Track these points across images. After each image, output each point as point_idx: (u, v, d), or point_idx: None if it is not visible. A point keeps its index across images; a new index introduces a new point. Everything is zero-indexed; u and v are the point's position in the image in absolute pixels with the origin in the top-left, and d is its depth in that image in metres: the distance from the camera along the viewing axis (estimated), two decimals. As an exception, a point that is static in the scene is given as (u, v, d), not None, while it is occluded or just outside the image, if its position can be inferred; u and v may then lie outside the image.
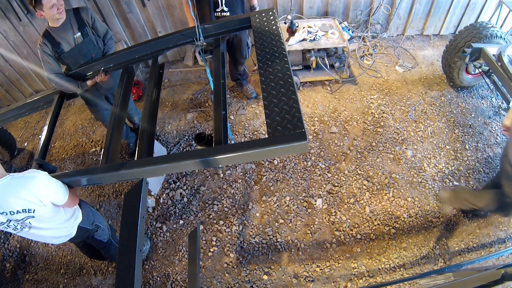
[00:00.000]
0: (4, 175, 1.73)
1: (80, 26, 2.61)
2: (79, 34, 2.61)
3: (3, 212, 1.74)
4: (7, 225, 1.83)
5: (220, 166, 1.62)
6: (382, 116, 3.66)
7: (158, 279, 2.83)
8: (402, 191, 3.11)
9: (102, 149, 2.03)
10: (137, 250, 1.51)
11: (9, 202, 1.70)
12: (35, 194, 1.71)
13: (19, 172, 1.79)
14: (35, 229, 1.92)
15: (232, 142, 3.39)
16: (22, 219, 1.80)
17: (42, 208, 1.79)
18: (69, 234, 2.16)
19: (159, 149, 3.44)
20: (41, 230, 1.96)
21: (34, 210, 1.77)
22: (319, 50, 3.83)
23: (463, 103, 3.75)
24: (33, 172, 1.76)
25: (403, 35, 4.58)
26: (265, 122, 1.53)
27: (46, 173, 1.80)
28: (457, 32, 3.56)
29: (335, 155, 3.39)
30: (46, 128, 2.40)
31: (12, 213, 1.74)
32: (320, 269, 2.75)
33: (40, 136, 3.02)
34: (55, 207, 1.89)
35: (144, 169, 1.68)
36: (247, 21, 2.20)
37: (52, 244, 3.16)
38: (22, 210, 1.74)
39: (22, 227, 1.88)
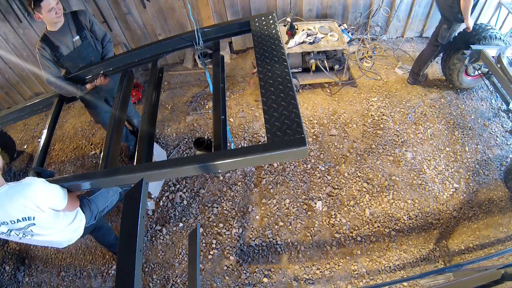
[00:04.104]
0: (1, 184, 1.73)
1: (79, 29, 2.61)
2: (77, 37, 2.61)
3: (3, 222, 1.73)
4: (8, 234, 1.82)
5: (219, 171, 1.62)
6: (381, 119, 3.66)
7: (158, 281, 2.83)
8: (402, 193, 3.11)
9: (102, 152, 2.03)
10: (137, 250, 1.50)
11: (8, 211, 1.69)
12: (32, 200, 1.71)
13: (17, 180, 1.79)
14: (38, 236, 1.91)
15: (232, 145, 3.39)
16: (23, 227, 1.79)
17: (42, 214, 1.79)
18: (76, 236, 2.16)
19: (158, 152, 3.44)
20: (44, 236, 1.95)
21: (34, 217, 1.77)
22: (318, 52, 3.83)
23: (463, 105, 3.76)
24: (30, 179, 1.76)
25: (403, 37, 4.59)
26: (264, 124, 1.53)
27: (43, 179, 1.80)
28: (456, 34, 3.57)
29: (335, 157, 3.39)
30: (45, 131, 2.40)
31: (12, 222, 1.73)
32: (320, 272, 2.75)
33: (39, 139, 3.02)
34: (55, 213, 1.89)
35: (143, 173, 1.68)
36: (247, 25, 2.20)
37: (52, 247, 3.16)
38: (22, 218, 1.74)
39: (24, 235, 1.87)
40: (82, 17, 2.64)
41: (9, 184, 1.73)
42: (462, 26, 3.34)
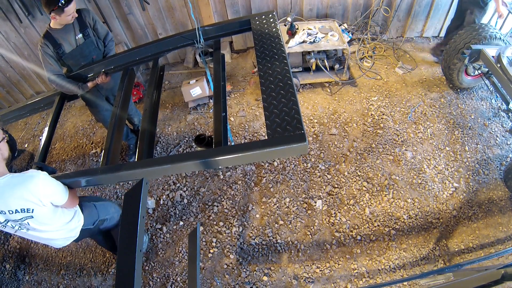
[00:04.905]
0: (5, 173, 1.74)
1: (82, 27, 2.62)
2: (80, 35, 2.63)
3: (1, 211, 1.73)
4: (4, 225, 1.83)
5: (220, 167, 1.63)
6: (381, 118, 3.66)
7: (158, 280, 2.84)
8: (402, 192, 3.11)
9: (103, 151, 2.03)
10: (137, 250, 1.51)
11: (7, 201, 1.70)
12: (34, 192, 1.72)
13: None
14: (33, 230, 1.91)
15: (232, 143, 3.40)
16: (20, 219, 1.79)
17: (41, 208, 1.79)
18: (72, 237, 2.16)
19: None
20: (40, 232, 1.95)
21: (32, 210, 1.77)
22: (319, 52, 3.84)
23: (463, 105, 3.76)
24: (33, 172, 1.77)
25: (403, 37, 4.59)
26: (264, 123, 1.54)
27: (45, 173, 1.80)
28: (456, 34, 3.58)
29: (335, 156, 3.39)
30: (46, 129, 2.41)
31: (10, 212, 1.73)
32: (320, 270, 2.75)
33: (40, 138, 3.03)
34: (54, 208, 1.89)
35: (144, 170, 1.69)
36: (247, 24, 2.21)
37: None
38: (21, 209, 1.74)
39: (20, 228, 1.87)
40: (86, 16, 2.65)
41: (12, 174, 1.74)
42: (483, 15, 3.76)
